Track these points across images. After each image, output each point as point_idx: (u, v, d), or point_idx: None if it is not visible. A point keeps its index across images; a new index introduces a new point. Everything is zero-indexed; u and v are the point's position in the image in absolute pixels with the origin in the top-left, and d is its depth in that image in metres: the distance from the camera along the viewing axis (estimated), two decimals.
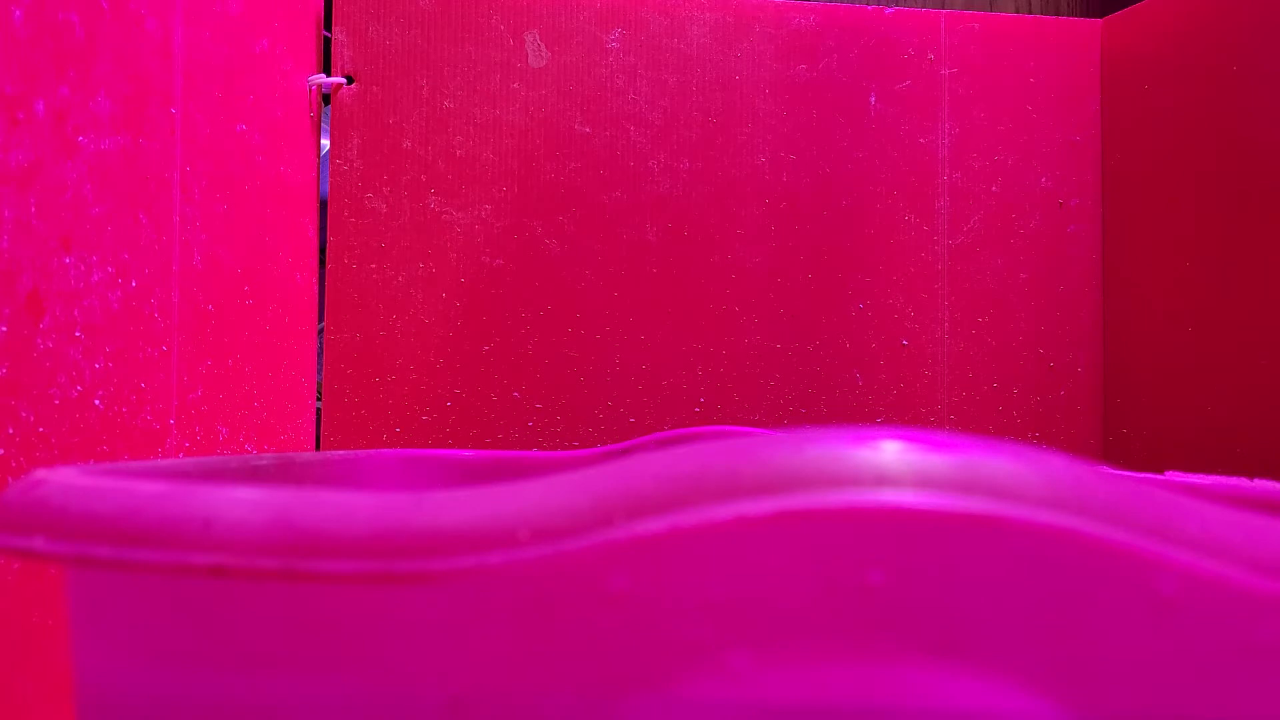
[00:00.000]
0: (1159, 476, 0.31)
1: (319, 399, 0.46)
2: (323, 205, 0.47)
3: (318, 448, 0.46)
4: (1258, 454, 0.42)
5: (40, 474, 0.15)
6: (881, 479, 0.13)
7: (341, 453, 0.36)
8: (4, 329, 0.23)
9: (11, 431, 0.24)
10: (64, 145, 0.26)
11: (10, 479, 0.23)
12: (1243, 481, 0.27)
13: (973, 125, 0.50)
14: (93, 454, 0.27)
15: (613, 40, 0.48)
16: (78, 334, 0.26)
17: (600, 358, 0.47)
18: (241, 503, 0.14)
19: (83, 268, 0.26)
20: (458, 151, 0.47)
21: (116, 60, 0.28)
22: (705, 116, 0.48)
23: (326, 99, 0.47)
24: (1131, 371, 0.49)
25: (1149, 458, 0.47)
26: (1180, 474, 0.31)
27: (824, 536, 0.14)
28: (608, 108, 0.48)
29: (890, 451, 0.13)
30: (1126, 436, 0.49)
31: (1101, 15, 0.51)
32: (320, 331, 0.47)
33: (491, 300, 0.47)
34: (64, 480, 0.15)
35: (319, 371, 0.47)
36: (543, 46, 0.48)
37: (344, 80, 0.47)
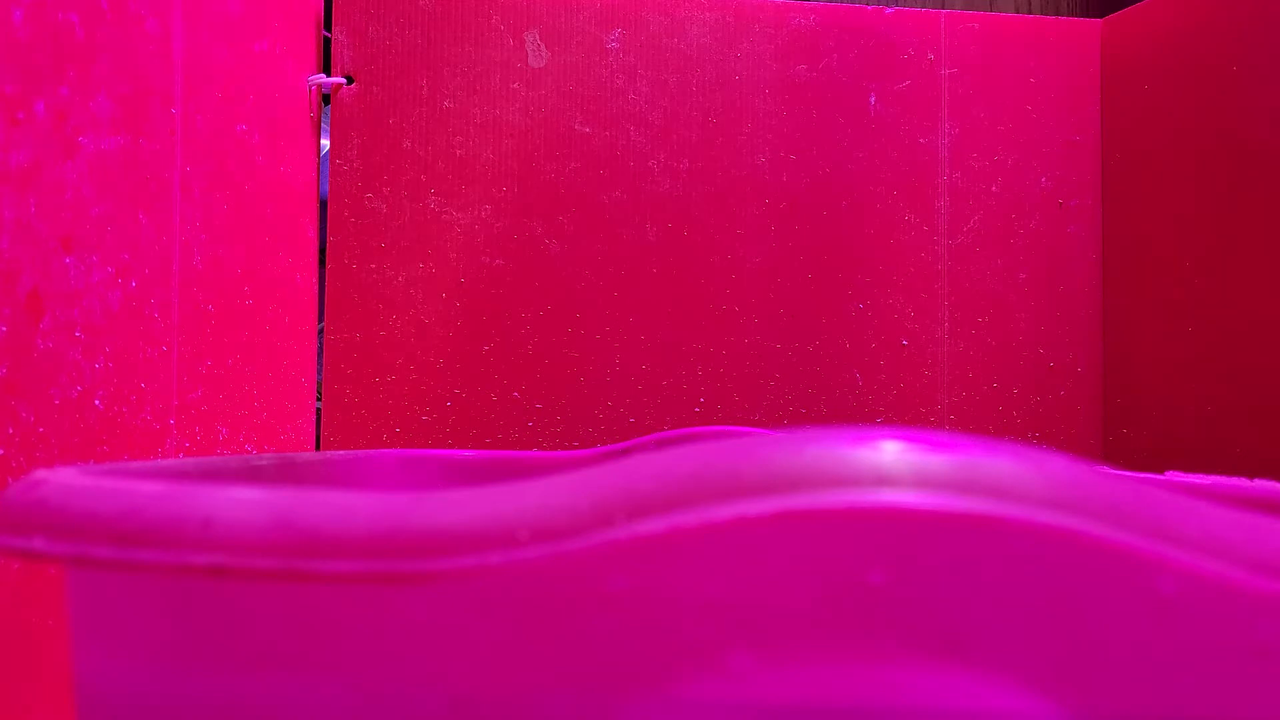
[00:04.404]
0: (1159, 476, 0.31)
1: (319, 399, 0.46)
2: (323, 205, 0.47)
3: (318, 448, 0.46)
4: (1258, 454, 0.41)
5: (40, 474, 0.15)
6: (881, 479, 0.13)
7: (341, 453, 0.36)
8: (4, 329, 0.23)
9: (11, 431, 0.24)
10: (64, 145, 0.26)
11: (10, 479, 0.23)
12: (1243, 481, 0.27)
13: (973, 125, 0.50)
14: (93, 454, 0.27)
15: (613, 40, 0.48)
16: (78, 334, 0.26)
17: (600, 358, 0.47)
18: (241, 503, 0.14)
19: (83, 268, 0.26)
20: (458, 151, 0.47)
21: (116, 60, 0.28)
22: (705, 116, 0.48)
23: (326, 99, 0.47)
24: (1131, 371, 0.49)
25: (1149, 458, 0.47)
26: (1180, 474, 0.31)
27: (824, 536, 0.14)
28: (608, 108, 0.48)
29: (890, 451, 0.13)
30: (1126, 436, 0.49)
31: (1101, 15, 0.51)
32: (320, 331, 0.47)
33: (491, 300, 0.47)
34: (64, 480, 0.15)
35: (319, 371, 0.47)
36: (543, 46, 0.48)
37: (344, 80, 0.47)
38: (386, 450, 0.39)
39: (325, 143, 0.47)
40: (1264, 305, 0.42)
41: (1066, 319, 0.50)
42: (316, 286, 0.46)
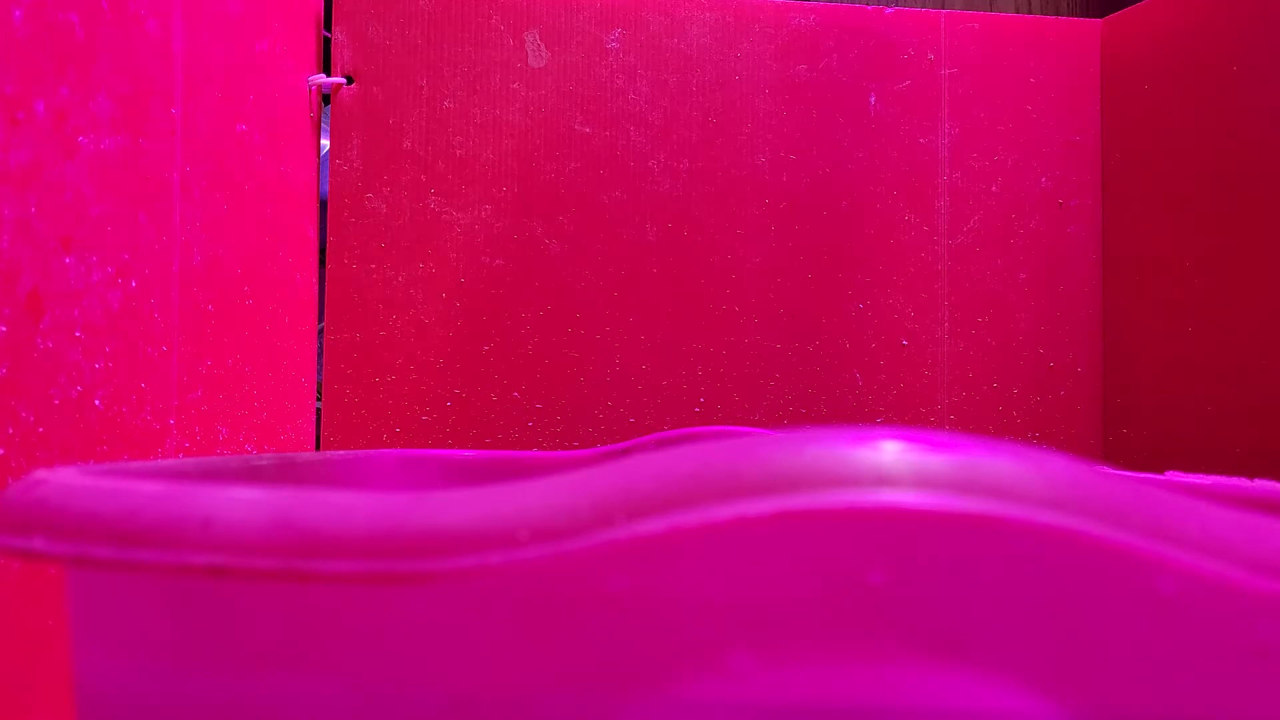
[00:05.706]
0: (1159, 476, 0.31)
1: (319, 399, 0.46)
2: (323, 205, 0.47)
3: (318, 448, 0.46)
4: (1258, 454, 0.41)
5: (40, 474, 0.15)
6: (881, 479, 0.13)
7: (341, 453, 0.36)
8: (4, 329, 0.23)
9: (11, 431, 0.24)
10: (64, 145, 0.26)
11: (10, 479, 0.23)
12: (1243, 481, 0.27)
13: (973, 125, 0.50)
14: (93, 454, 0.27)
15: (613, 40, 0.48)
16: (78, 334, 0.26)
17: (600, 358, 0.47)
18: (241, 503, 0.14)
19: (83, 268, 0.26)
20: (458, 151, 0.47)
21: (116, 60, 0.28)
22: (705, 116, 0.48)
23: (326, 99, 0.47)
24: (1131, 371, 0.49)
25: (1149, 458, 0.47)
26: (1180, 474, 0.31)
27: (824, 536, 0.14)
28: (608, 108, 0.48)
29: (890, 451, 0.13)
30: (1126, 436, 0.49)
31: (1101, 15, 0.51)
32: (320, 331, 0.47)
33: (491, 300, 0.47)
34: (64, 480, 0.15)
35: (319, 371, 0.47)
36: (543, 46, 0.48)
37: (344, 80, 0.47)
38: (386, 450, 0.39)
39: (325, 143, 0.47)
40: (1264, 305, 0.42)
41: (1066, 319, 0.50)
42: (316, 286, 0.46)
